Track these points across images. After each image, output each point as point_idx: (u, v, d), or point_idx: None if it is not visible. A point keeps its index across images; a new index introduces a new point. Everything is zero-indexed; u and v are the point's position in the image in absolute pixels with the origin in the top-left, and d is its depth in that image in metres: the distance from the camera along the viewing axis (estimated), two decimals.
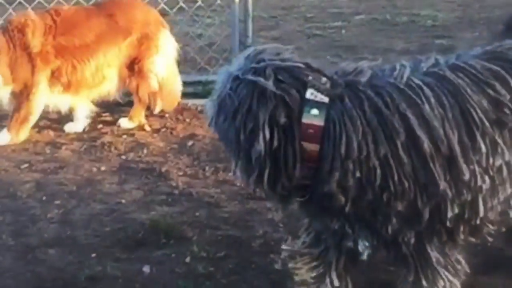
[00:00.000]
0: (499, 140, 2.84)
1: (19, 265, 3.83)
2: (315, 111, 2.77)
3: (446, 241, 2.94)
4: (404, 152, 2.75)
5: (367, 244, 2.98)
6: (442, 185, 2.78)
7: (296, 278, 3.28)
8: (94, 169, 5.13)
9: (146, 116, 6.10)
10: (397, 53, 7.77)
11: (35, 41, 5.64)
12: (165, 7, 7.11)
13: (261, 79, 2.78)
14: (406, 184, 2.77)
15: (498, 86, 2.87)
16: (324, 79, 2.85)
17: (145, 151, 5.45)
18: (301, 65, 2.87)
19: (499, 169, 2.86)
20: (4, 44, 5.61)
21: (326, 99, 2.79)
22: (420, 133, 2.75)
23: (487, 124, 2.83)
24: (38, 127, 5.89)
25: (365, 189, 2.79)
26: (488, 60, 2.96)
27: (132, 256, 3.90)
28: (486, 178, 2.84)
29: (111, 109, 6.32)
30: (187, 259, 3.84)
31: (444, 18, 9.97)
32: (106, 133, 5.87)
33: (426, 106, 2.79)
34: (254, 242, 4.02)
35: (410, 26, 9.58)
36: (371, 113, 2.77)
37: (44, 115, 5.93)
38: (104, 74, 5.88)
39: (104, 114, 6.25)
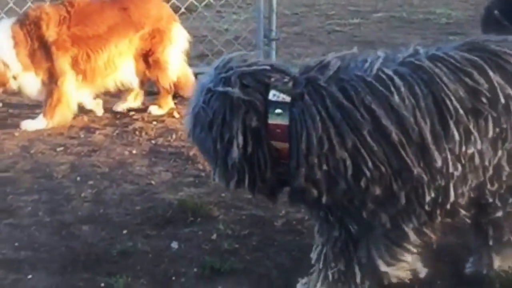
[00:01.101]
0: (473, 129, 2.76)
1: (54, 240, 3.84)
2: (279, 111, 2.74)
3: (425, 222, 2.89)
4: (373, 141, 2.69)
5: (356, 227, 2.93)
6: (417, 170, 2.72)
7: None
8: (126, 153, 5.13)
9: (175, 104, 6.10)
10: None
11: (50, 32, 5.63)
12: (194, 1, 7.09)
13: (229, 89, 2.74)
14: (383, 169, 2.72)
15: (476, 75, 2.77)
16: (287, 79, 2.81)
17: (173, 136, 5.45)
18: (266, 67, 2.83)
19: (471, 157, 2.79)
20: (22, 38, 5.63)
21: (288, 99, 2.75)
22: (387, 123, 2.68)
23: (461, 112, 2.74)
24: None
25: (336, 180, 2.75)
26: (467, 51, 2.86)
27: (161, 233, 3.89)
28: (458, 165, 2.77)
29: None
30: (213, 236, 3.83)
31: (457, 16, 9.92)
32: (137, 119, 5.88)
33: (395, 97, 2.70)
34: (276, 221, 4.01)
35: (425, 23, 9.54)
36: (333, 107, 2.71)
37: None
38: (116, 64, 5.85)
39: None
